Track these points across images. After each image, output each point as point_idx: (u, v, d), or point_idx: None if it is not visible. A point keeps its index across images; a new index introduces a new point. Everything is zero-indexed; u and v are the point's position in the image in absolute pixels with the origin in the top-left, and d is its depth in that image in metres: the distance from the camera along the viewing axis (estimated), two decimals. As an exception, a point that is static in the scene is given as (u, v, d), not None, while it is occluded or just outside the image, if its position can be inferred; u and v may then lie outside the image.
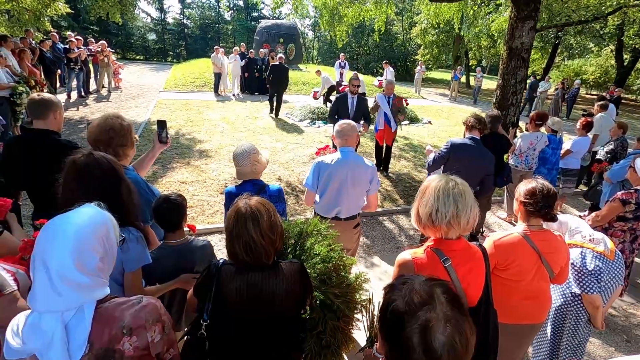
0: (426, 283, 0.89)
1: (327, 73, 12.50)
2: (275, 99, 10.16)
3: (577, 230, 2.35)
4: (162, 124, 2.34)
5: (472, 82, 17.93)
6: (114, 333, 1.02)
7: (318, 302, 1.62)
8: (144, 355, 1.08)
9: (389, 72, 14.57)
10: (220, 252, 3.69)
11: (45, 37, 10.45)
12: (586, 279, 2.20)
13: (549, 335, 2.43)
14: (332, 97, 11.48)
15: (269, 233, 1.36)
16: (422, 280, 0.90)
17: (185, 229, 2.16)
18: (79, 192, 1.29)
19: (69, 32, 11.84)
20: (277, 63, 10.52)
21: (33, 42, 9.40)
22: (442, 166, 3.50)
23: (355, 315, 1.77)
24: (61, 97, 10.22)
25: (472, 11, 12.00)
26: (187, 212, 2.24)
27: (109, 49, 11.77)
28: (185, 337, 1.45)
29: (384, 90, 6.29)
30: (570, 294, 2.32)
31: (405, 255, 1.51)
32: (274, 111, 10.24)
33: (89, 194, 1.20)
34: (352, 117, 5.13)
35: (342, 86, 13.37)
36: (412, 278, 0.92)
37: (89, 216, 1.06)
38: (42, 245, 0.99)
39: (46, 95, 2.39)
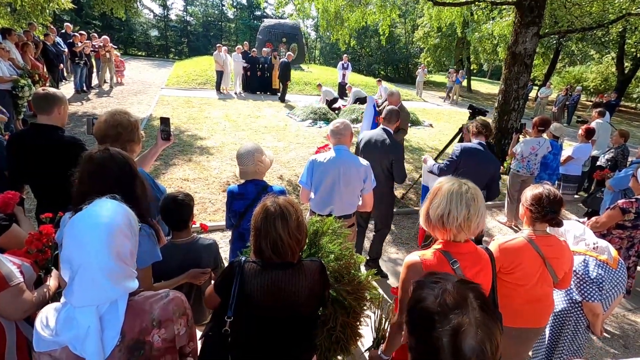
0: (459, 285, 0.87)
1: (327, 87, 12.80)
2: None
3: (582, 237, 2.36)
4: (165, 121, 2.34)
5: (453, 81, 17.83)
6: (144, 325, 1.06)
7: (330, 299, 1.65)
8: (169, 348, 1.12)
9: (382, 90, 12.72)
10: (222, 251, 3.69)
11: (47, 31, 10.43)
12: (588, 287, 2.21)
13: (547, 338, 2.44)
14: (336, 105, 11.53)
15: (296, 232, 1.39)
16: (455, 282, 0.88)
17: (195, 226, 2.17)
18: (96, 187, 1.29)
19: (66, 24, 11.80)
20: (284, 60, 12.60)
21: (36, 36, 9.39)
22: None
23: (364, 317, 1.79)
24: (66, 92, 10.20)
25: (475, 16, 12.02)
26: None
27: (111, 44, 11.76)
28: (207, 334, 1.45)
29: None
30: (571, 300, 2.33)
31: (414, 257, 1.51)
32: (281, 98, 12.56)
33: (106, 190, 1.21)
34: None
35: (347, 89, 13.39)
36: (444, 278, 0.91)
37: (112, 207, 1.08)
38: (74, 240, 1.00)
39: (51, 90, 2.38)
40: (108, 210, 1.05)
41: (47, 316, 1.01)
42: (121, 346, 1.01)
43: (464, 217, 1.43)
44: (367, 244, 4.03)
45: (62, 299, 1.02)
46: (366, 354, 1.73)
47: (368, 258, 3.88)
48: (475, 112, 5.06)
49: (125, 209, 1.11)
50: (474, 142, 3.53)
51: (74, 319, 0.97)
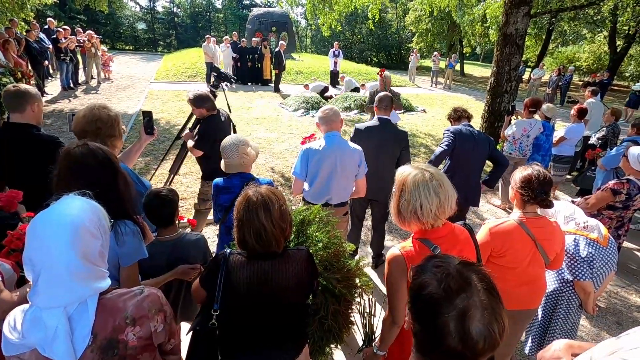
0: (461, 268, 0.85)
1: (316, 82, 12.68)
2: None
3: (572, 217, 2.35)
4: (147, 115, 2.29)
5: (443, 66, 17.75)
6: (117, 323, 1.02)
7: (320, 287, 1.64)
8: (147, 345, 1.08)
9: (368, 85, 11.21)
10: (214, 244, 3.67)
11: (30, 27, 10.17)
12: (578, 266, 2.22)
13: (539, 319, 2.46)
14: (327, 94, 11.37)
15: (279, 221, 1.36)
16: (457, 265, 0.86)
17: (184, 222, 2.12)
18: (75, 184, 1.24)
19: (49, 19, 11.48)
20: (277, 49, 12.66)
21: (18, 32, 9.16)
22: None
23: (355, 305, 1.78)
24: (52, 89, 10.01)
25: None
26: (182, 204, 2.20)
27: (97, 36, 11.50)
28: (195, 329, 1.44)
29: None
30: (562, 280, 2.34)
31: (395, 250, 1.48)
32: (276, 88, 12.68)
33: (85, 186, 1.16)
34: None
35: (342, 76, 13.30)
36: (446, 261, 0.88)
37: (78, 204, 1.03)
38: (38, 241, 0.96)
39: (22, 86, 2.30)
40: (73, 208, 1.01)
41: (14, 318, 0.97)
42: (93, 346, 0.98)
43: (437, 206, 1.41)
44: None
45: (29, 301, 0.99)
46: (359, 356, 1.71)
47: (374, 255, 3.75)
48: (220, 76, 4.82)
49: (93, 205, 1.07)
50: (462, 124, 3.48)
51: (40, 319, 0.93)
